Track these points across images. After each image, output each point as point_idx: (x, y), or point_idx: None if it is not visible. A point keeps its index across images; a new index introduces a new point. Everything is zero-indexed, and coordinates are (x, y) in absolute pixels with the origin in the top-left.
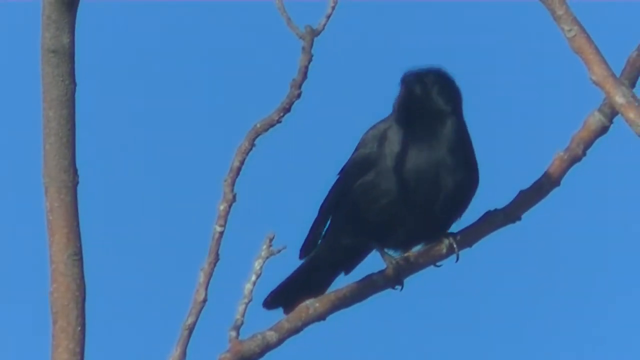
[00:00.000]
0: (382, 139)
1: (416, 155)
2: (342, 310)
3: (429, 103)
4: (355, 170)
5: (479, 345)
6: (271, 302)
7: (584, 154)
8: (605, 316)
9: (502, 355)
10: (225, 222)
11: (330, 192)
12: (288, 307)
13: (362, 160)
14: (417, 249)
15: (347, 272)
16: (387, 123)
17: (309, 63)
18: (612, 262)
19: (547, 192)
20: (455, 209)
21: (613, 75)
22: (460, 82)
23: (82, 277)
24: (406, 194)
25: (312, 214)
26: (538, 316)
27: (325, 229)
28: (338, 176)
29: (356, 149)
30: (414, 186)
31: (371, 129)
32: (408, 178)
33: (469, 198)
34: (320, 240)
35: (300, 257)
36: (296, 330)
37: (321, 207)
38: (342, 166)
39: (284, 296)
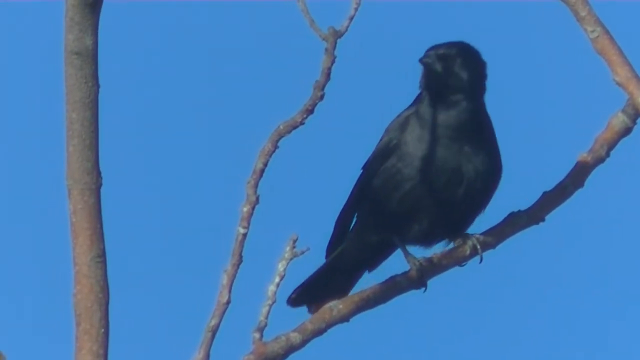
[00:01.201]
0: (404, 125)
1: (436, 140)
2: (366, 312)
3: (448, 80)
4: (378, 159)
5: (501, 347)
6: (295, 299)
7: (607, 155)
8: (629, 318)
9: (525, 356)
10: (249, 223)
11: (354, 187)
12: (312, 305)
13: (385, 148)
14: (439, 249)
15: (370, 270)
16: (411, 110)
17: (332, 65)
18: (637, 263)
19: (571, 193)
20: (478, 198)
21: (636, 76)
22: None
23: (106, 280)
24: (428, 179)
25: (336, 215)
26: (561, 318)
27: (351, 226)
28: (361, 170)
29: (380, 140)
30: (435, 171)
31: (395, 118)
32: (429, 163)
33: (492, 187)
34: (345, 238)
35: (327, 257)
36: (320, 332)
37: (346, 203)
38: (365, 162)
39: (308, 294)
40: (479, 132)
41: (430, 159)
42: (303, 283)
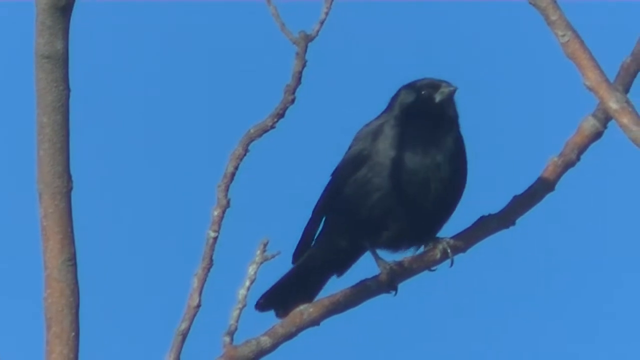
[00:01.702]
0: (376, 134)
1: (412, 154)
2: (336, 316)
3: (440, 110)
4: (348, 167)
5: (473, 350)
6: (263, 304)
7: (578, 159)
8: (599, 319)
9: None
10: (219, 227)
11: (323, 192)
12: (280, 309)
13: (356, 156)
14: (409, 253)
15: (339, 274)
16: (382, 119)
17: (302, 68)
18: (606, 266)
19: (541, 197)
20: (446, 207)
21: (607, 80)
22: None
23: (76, 283)
24: (398, 190)
25: (306, 219)
26: (532, 320)
27: (320, 230)
28: (331, 177)
29: (349, 148)
30: (405, 183)
31: (364, 126)
32: (401, 175)
33: (457, 201)
34: (313, 242)
35: (294, 262)
36: (290, 336)
37: (314, 209)
38: (334, 168)
39: (276, 298)
40: (454, 156)
41: (402, 171)
42: (271, 288)
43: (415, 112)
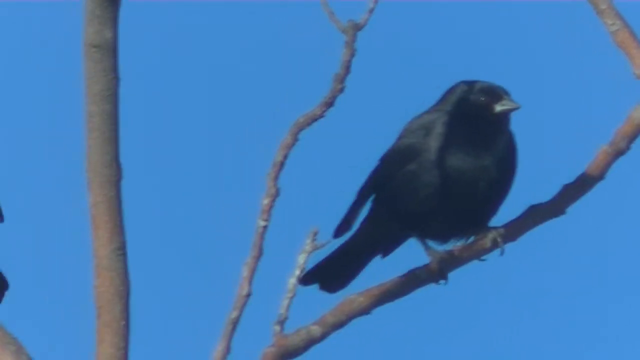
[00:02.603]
0: (428, 130)
1: (462, 154)
2: (387, 304)
3: (496, 119)
4: (397, 158)
5: (521, 340)
6: (308, 278)
7: (628, 147)
8: None
9: (545, 349)
10: (269, 216)
11: (369, 177)
12: (323, 284)
13: (406, 149)
14: (457, 243)
15: (384, 255)
16: (434, 115)
17: (351, 57)
18: None
19: (591, 186)
20: (491, 206)
21: None
22: (504, 77)
23: (126, 272)
24: (446, 188)
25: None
26: (582, 311)
27: (366, 212)
28: (378, 162)
29: (399, 138)
30: (454, 182)
31: (416, 119)
32: (450, 175)
33: (505, 196)
34: (361, 222)
35: (335, 237)
36: (340, 325)
37: (359, 191)
38: (382, 154)
39: (322, 274)
40: (506, 159)
41: (451, 171)
42: (316, 264)
43: (470, 113)
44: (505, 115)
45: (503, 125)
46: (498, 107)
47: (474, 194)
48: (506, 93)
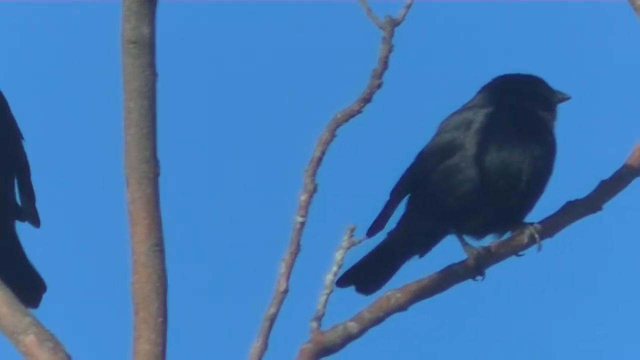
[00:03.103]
0: (469, 125)
1: (504, 148)
2: (424, 300)
3: (544, 108)
4: (437, 154)
5: (559, 336)
6: (345, 280)
7: None
8: None
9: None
10: (306, 212)
11: (405, 173)
12: (360, 286)
13: (446, 145)
14: (495, 239)
15: (421, 255)
16: (474, 111)
17: (389, 53)
18: None
19: (628, 182)
20: (531, 200)
21: None
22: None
23: (164, 268)
24: (488, 182)
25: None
26: (618, 308)
27: (403, 210)
28: (415, 158)
29: (438, 133)
30: (496, 177)
31: (455, 114)
32: (492, 170)
33: (544, 190)
34: (397, 222)
35: (368, 235)
36: (377, 321)
37: (393, 188)
38: (420, 150)
39: (358, 275)
40: (551, 154)
41: (492, 163)
42: (353, 265)
43: (513, 106)
44: (555, 107)
45: (547, 120)
46: (554, 98)
47: (516, 188)
48: (552, 89)
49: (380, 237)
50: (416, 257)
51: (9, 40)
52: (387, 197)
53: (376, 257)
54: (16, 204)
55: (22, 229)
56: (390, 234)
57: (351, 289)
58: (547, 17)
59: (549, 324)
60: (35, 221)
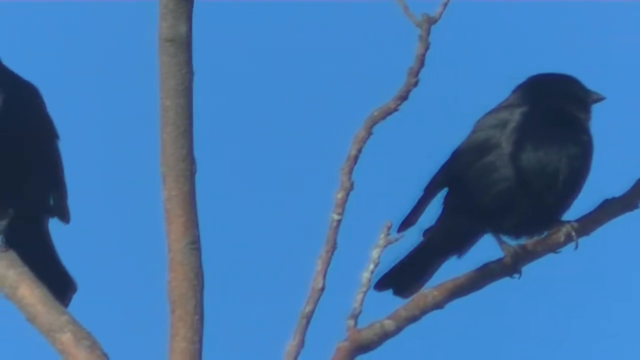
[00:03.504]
0: (505, 124)
1: (540, 148)
2: (460, 299)
3: (579, 108)
4: (472, 152)
5: (596, 333)
6: (383, 283)
7: None
8: None
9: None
10: (343, 210)
11: (440, 170)
12: (398, 289)
13: (482, 143)
14: (529, 237)
15: (459, 255)
16: (510, 110)
17: (425, 51)
18: None
19: None
20: (567, 200)
21: None
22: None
23: (200, 266)
24: (524, 181)
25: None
26: None
27: (439, 211)
28: (450, 156)
29: (473, 132)
30: (532, 176)
31: (491, 113)
32: (528, 167)
33: (581, 189)
34: (435, 222)
35: (399, 231)
36: (414, 319)
37: (427, 185)
38: (455, 148)
39: (397, 277)
40: (588, 153)
41: (529, 162)
42: (391, 268)
43: (549, 106)
44: (590, 107)
45: (583, 119)
46: (589, 99)
47: (552, 187)
48: (587, 89)
49: (417, 239)
50: (454, 257)
51: (49, 39)
52: (421, 193)
53: (413, 259)
54: (48, 201)
55: (60, 228)
56: (426, 235)
57: (389, 293)
58: (584, 16)
59: (584, 321)
60: (64, 218)
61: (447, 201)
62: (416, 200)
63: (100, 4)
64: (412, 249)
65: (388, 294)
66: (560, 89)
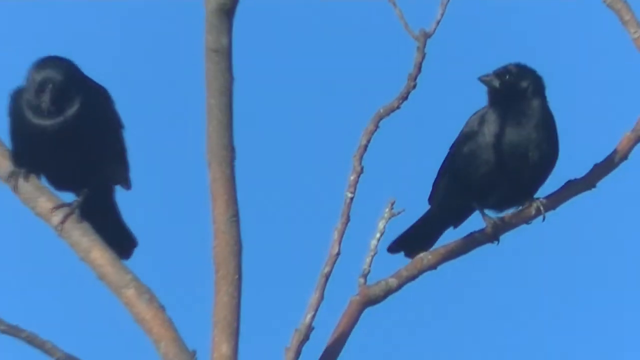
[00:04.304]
0: (481, 120)
1: (509, 132)
2: (451, 262)
3: (516, 88)
4: (461, 145)
5: (561, 288)
6: (394, 248)
7: None
8: None
9: (571, 290)
10: (355, 189)
11: (443, 161)
12: (408, 252)
13: (466, 137)
14: (509, 211)
15: (455, 226)
16: (485, 109)
17: (422, 60)
18: None
19: (617, 165)
20: (539, 175)
21: None
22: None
23: (239, 235)
24: (501, 163)
25: (425, 181)
26: (608, 263)
27: (441, 190)
28: (448, 150)
29: (462, 129)
30: (507, 157)
31: (474, 114)
32: (502, 150)
33: (551, 167)
34: (436, 199)
35: (429, 203)
36: (413, 277)
37: (438, 170)
38: (451, 142)
39: (405, 243)
40: (542, 124)
41: (503, 147)
42: (400, 235)
43: (500, 95)
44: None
45: (535, 103)
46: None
47: (524, 165)
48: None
49: (421, 211)
50: (451, 228)
51: (122, 48)
52: (436, 177)
53: (419, 228)
54: (116, 174)
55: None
56: (430, 209)
57: (401, 255)
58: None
59: (552, 277)
60: (127, 186)
61: (443, 183)
62: (434, 181)
63: (160, 19)
64: (417, 220)
65: (399, 256)
66: (520, 85)
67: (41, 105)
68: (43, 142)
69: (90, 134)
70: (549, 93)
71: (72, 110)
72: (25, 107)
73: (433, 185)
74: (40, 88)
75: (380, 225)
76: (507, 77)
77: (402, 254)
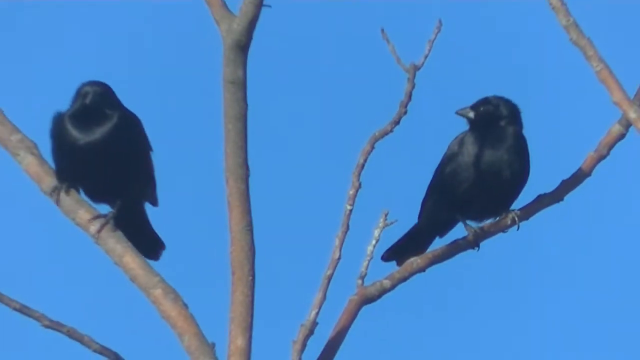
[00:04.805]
0: (461, 143)
1: (485, 153)
2: (437, 265)
3: (491, 116)
4: (445, 164)
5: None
6: (387, 256)
7: (608, 153)
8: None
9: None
10: (354, 202)
11: (431, 179)
12: (399, 260)
13: (448, 158)
14: (489, 221)
15: (441, 236)
16: (464, 133)
17: (412, 89)
18: (633, 236)
19: (582, 181)
20: (513, 190)
21: (628, 98)
22: (524, 107)
23: (253, 242)
24: (479, 180)
25: (414, 198)
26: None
27: (429, 205)
28: (435, 170)
29: (445, 151)
30: (484, 174)
31: (455, 138)
32: (480, 169)
33: (523, 183)
34: (424, 212)
35: (418, 220)
36: (404, 279)
37: (427, 188)
38: (437, 162)
39: (397, 252)
40: (514, 148)
41: (480, 166)
42: (392, 246)
43: (479, 122)
44: (495, 115)
45: (509, 129)
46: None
47: (499, 181)
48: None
49: (412, 221)
50: (437, 237)
51: (152, 82)
52: (424, 195)
53: (409, 240)
54: (145, 192)
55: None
56: (419, 221)
57: (393, 263)
58: (533, 58)
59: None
60: (155, 203)
61: (431, 199)
62: (422, 200)
63: (184, 55)
64: (407, 231)
65: (392, 264)
66: (497, 112)
67: (85, 102)
68: (81, 157)
69: (122, 152)
70: (525, 118)
71: (107, 126)
72: (67, 122)
73: (422, 204)
74: (83, 94)
75: (376, 233)
76: (482, 108)
77: (394, 262)
